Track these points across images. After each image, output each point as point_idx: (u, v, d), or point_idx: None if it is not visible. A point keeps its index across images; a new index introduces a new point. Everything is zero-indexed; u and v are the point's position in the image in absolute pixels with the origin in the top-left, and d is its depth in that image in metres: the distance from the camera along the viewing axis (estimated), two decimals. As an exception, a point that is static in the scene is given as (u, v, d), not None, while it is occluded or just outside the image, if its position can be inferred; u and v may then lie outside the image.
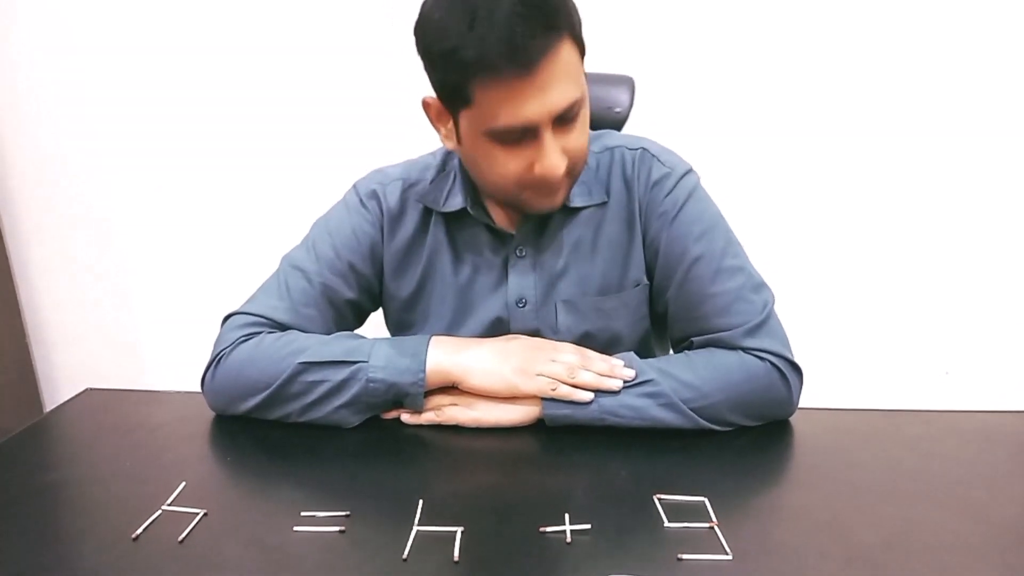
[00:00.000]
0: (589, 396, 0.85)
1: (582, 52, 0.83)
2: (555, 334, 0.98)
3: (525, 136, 0.82)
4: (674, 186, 0.94)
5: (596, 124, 1.07)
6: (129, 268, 1.99)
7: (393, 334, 1.08)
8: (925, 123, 1.72)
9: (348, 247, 1.00)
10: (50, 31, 1.82)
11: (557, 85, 0.79)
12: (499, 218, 0.98)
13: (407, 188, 1.02)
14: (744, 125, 1.74)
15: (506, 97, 0.78)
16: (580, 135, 0.85)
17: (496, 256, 0.99)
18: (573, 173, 0.88)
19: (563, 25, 0.78)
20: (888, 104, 1.71)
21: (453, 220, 1.00)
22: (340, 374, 0.87)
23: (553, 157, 0.82)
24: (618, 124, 1.16)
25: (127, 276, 1.99)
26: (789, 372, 0.89)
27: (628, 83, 1.19)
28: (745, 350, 0.90)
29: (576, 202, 0.96)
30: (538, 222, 0.97)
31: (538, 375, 0.86)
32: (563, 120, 0.82)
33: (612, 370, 0.87)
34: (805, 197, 1.79)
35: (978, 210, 1.77)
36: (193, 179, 1.90)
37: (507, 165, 0.84)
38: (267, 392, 0.88)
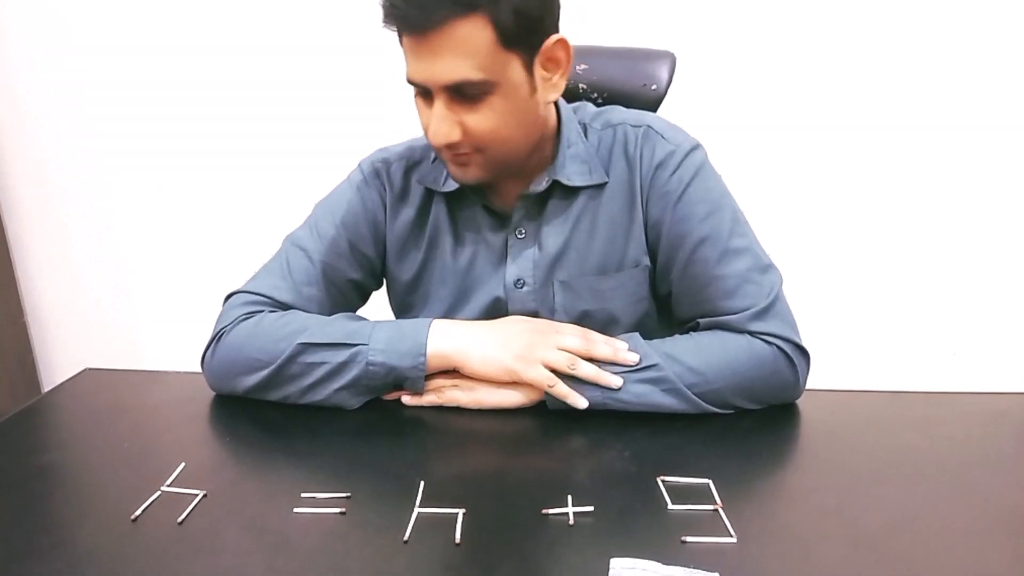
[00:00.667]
0: (585, 403, 0.84)
1: (515, 39, 0.81)
2: (552, 314, 0.98)
3: (428, 96, 0.84)
4: (679, 165, 0.93)
5: (629, 102, 1.04)
6: (128, 248, 1.99)
7: (396, 314, 1.07)
8: (937, 110, 1.71)
9: (351, 227, 0.99)
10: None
11: (449, 58, 0.80)
12: (497, 198, 0.97)
13: (410, 168, 1.01)
14: (781, 110, 1.72)
15: (407, 51, 0.83)
16: (484, 119, 0.84)
17: (496, 237, 0.98)
18: (486, 154, 0.87)
19: (481, 4, 0.78)
20: (905, 90, 1.70)
21: (453, 200, 0.99)
22: (340, 356, 0.86)
23: (435, 124, 0.83)
24: (653, 103, 1.10)
25: (126, 256, 1.99)
26: (796, 356, 0.89)
27: (668, 59, 1.12)
28: (752, 334, 0.89)
29: (575, 181, 0.94)
30: (536, 201, 0.96)
31: (539, 362, 0.85)
32: (461, 95, 0.83)
33: (616, 354, 0.86)
34: (816, 179, 1.78)
35: (985, 191, 1.76)
36: (194, 159, 1.90)
37: (421, 120, 0.87)
38: (266, 372, 0.88)
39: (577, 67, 1.10)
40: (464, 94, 0.82)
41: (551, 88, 0.88)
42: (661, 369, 0.85)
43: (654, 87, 1.09)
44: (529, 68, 0.85)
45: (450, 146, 0.85)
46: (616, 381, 0.85)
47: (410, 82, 0.84)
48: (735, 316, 0.89)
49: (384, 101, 1.65)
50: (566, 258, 0.97)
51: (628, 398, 0.85)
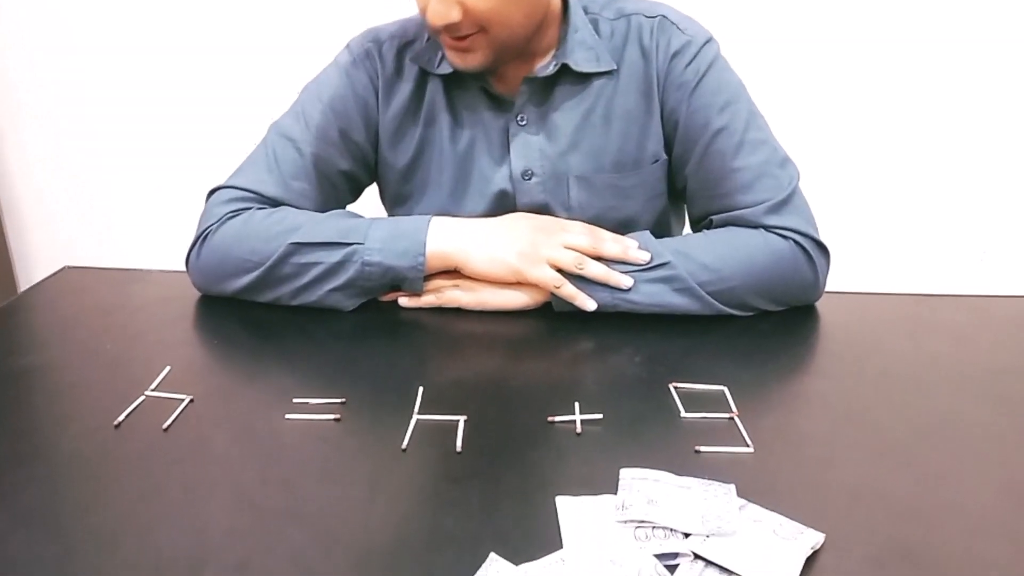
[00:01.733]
0: (594, 305, 0.82)
1: None
2: (567, 211, 0.95)
3: None
4: (695, 55, 0.90)
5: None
6: (107, 137, 1.92)
7: (390, 210, 1.04)
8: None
9: (340, 112, 0.94)
10: None
11: None
12: (498, 83, 0.93)
13: (403, 47, 0.95)
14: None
15: None
16: None
17: (496, 122, 0.94)
18: (487, 36, 0.82)
19: None
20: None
21: (451, 82, 0.94)
22: (334, 256, 0.83)
23: (433, 4, 0.79)
24: None
25: (105, 146, 1.93)
26: (815, 252, 0.86)
27: None
28: (768, 228, 0.87)
29: (582, 67, 0.90)
30: (540, 88, 0.92)
31: (545, 261, 0.82)
32: None
33: (626, 252, 0.83)
34: (834, 66, 1.70)
35: (1017, 84, 1.68)
36: (174, 41, 1.81)
37: (418, 2, 0.82)
38: (256, 273, 0.85)
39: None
40: None
41: None
42: (673, 267, 0.82)
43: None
44: None
45: (448, 28, 0.80)
46: (626, 281, 0.82)
47: None
48: (751, 210, 0.87)
49: None
50: (578, 151, 0.94)
51: (639, 299, 0.83)
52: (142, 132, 1.90)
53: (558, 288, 0.82)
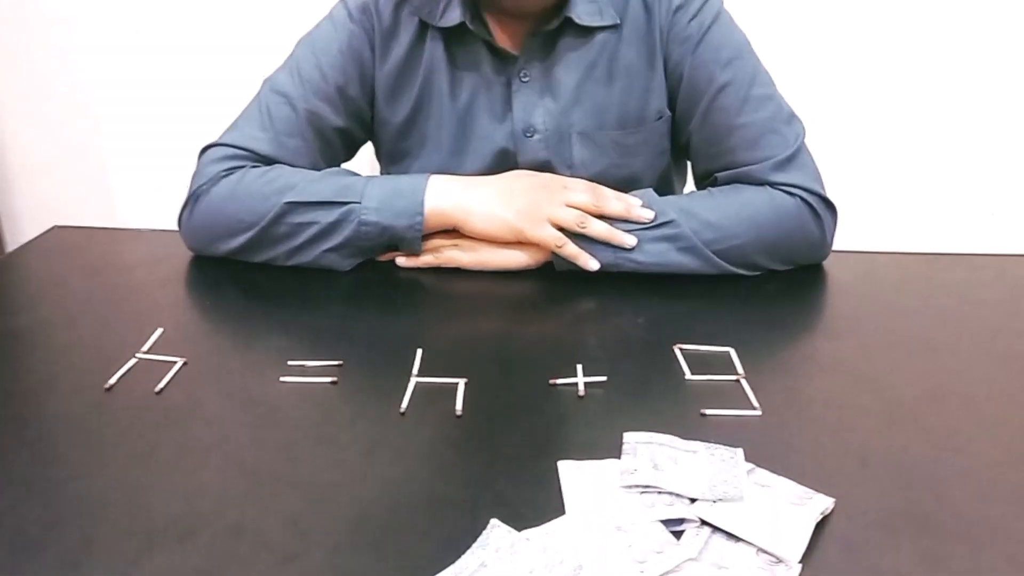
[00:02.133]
0: (596, 264, 0.81)
1: None
2: (569, 169, 0.93)
3: None
4: (699, 9, 0.90)
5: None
6: (97, 91, 1.89)
7: (386, 168, 1.02)
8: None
9: (336, 67, 0.92)
10: None
11: None
12: (501, 37, 0.91)
13: (400, 1, 0.92)
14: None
15: None
16: None
17: (498, 79, 0.92)
18: None
19: None
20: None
21: (452, 36, 0.92)
22: (330, 216, 0.82)
23: None
24: None
25: (95, 100, 1.89)
26: (822, 209, 0.85)
27: None
28: (774, 185, 0.86)
29: (585, 20, 0.89)
30: (544, 42, 0.90)
31: (546, 220, 0.81)
32: None
33: (629, 210, 0.82)
34: (842, 22, 1.67)
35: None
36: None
37: None
38: (250, 233, 0.84)
39: None
40: None
41: None
42: (678, 225, 0.81)
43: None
44: None
45: None
46: (630, 240, 0.81)
47: None
48: (756, 166, 0.86)
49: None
50: (581, 107, 0.92)
51: (643, 258, 0.82)
52: (133, 85, 1.86)
53: (560, 247, 0.81)
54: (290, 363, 0.68)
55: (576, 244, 0.81)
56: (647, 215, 0.82)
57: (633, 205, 0.82)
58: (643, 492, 0.52)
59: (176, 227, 0.90)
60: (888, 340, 0.72)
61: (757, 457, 0.55)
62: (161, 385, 0.65)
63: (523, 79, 0.91)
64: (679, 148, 0.97)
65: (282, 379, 0.66)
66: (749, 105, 0.87)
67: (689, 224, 0.81)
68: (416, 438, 0.59)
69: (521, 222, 0.82)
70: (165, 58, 1.82)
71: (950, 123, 1.73)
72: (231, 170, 0.87)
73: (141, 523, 0.50)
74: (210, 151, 0.90)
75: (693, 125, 0.91)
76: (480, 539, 0.48)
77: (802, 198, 0.84)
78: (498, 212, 0.82)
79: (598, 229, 0.81)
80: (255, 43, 1.58)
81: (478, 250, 0.85)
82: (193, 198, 0.87)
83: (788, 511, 0.50)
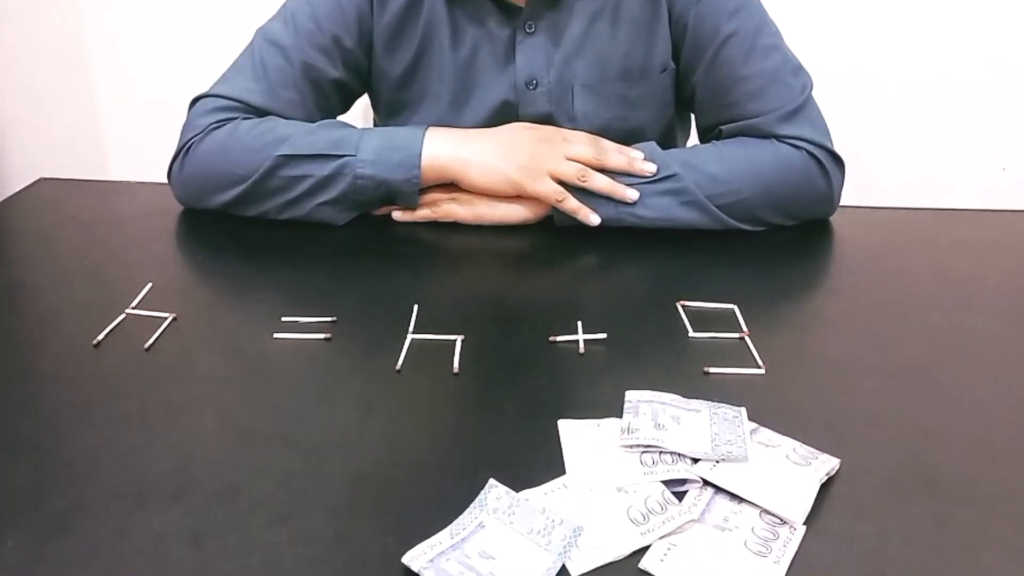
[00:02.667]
0: (598, 219, 0.80)
1: None
2: (571, 121, 0.92)
3: None
4: None
5: None
6: (85, 39, 1.85)
7: (383, 121, 1.00)
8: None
9: (332, 17, 0.90)
10: None
11: None
12: None
13: None
14: None
15: None
16: None
17: (502, 31, 0.90)
18: None
19: None
20: None
21: None
22: (325, 169, 0.81)
23: None
24: None
25: (82, 49, 1.86)
26: (829, 163, 0.84)
27: None
28: (780, 138, 0.85)
29: None
30: None
31: (546, 174, 0.80)
32: None
33: (631, 164, 0.81)
34: None
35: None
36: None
37: None
38: (243, 187, 0.83)
39: None
40: None
41: None
42: (681, 179, 0.80)
43: None
44: None
45: None
46: (632, 194, 0.80)
47: None
48: (761, 118, 0.85)
49: None
50: (584, 57, 0.90)
51: (645, 213, 0.81)
52: (121, 34, 1.82)
53: (560, 201, 0.80)
54: (284, 319, 0.67)
55: (577, 198, 0.80)
56: (650, 168, 0.80)
57: (635, 158, 0.81)
58: (644, 452, 0.51)
59: (166, 180, 0.88)
60: (896, 297, 0.72)
61: (761, 416, 0.54)
62: (151, 341, 0.64)
63: (528, 30, 0.89)
64: (683, 101, 0.96)
65: (275, 335, 0.65)
66: (755, 55, 0.86)
67: (693, 178, 0.80)
68: (412, 396, 0.59)
69: (521, 175, 0.81)
70: (157, 2, 1.78)
71: (960, 76, 1.70)
72: (222, 122, 0.86)
73: (131, 485, 0.50)
74: (201, 102, 0.89)
75: (697, 77, 0.90)
76: (478, 499, 0.47)
77: (809, 151, 0.83)
78: (497, 165, 0.81)
79: (599, 183, 0.80)
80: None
81: (476, 204, 0.84)
82: (183, 150, 0.86)
83: (792, 471, 0.49)
